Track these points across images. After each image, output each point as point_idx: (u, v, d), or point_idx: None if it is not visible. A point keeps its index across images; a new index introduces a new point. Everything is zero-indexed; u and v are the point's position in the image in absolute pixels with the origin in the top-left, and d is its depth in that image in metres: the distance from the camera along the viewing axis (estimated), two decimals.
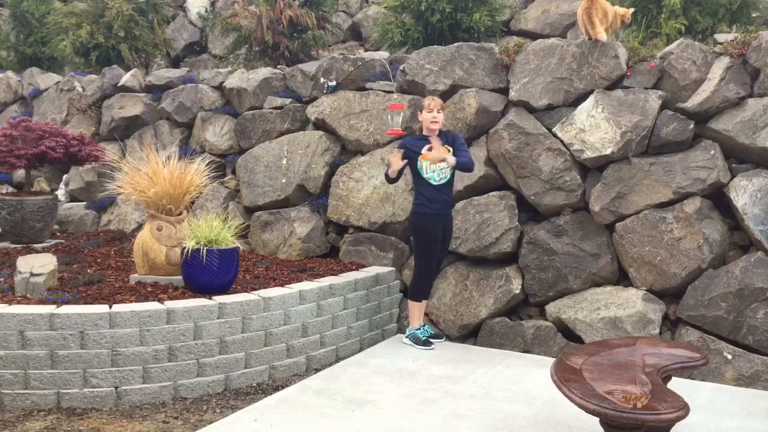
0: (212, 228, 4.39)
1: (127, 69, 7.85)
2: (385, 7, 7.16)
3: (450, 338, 5.30)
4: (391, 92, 5.84)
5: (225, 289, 4.38)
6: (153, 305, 3.91)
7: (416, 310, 5.00)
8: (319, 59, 6.86)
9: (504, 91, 5.48)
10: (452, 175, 4.87)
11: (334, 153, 6.04)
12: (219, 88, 6.89)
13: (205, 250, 4.23)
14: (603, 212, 4.91)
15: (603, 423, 2.75)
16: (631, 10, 5.34)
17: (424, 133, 4.92)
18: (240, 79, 6.63)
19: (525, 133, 5.18)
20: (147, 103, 7.13)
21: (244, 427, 3.46)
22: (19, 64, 9.05)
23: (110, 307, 3.82)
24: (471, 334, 5.33)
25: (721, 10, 5.73)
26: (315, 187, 6.00)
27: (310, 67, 6.33)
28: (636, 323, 4.69)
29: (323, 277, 5.07)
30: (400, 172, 4.83)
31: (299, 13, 7.36)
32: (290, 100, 6.35)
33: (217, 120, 6.68)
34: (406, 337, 5.09)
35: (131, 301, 4.06)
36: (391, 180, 4.85)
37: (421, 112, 4.91)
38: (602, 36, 5.03)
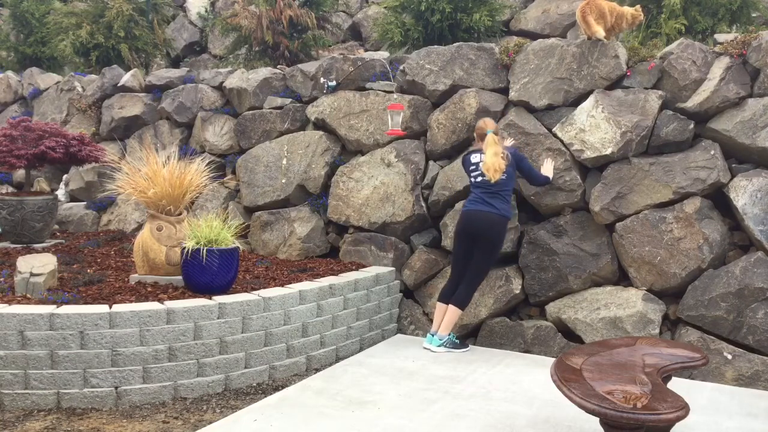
0: (212, 228, 4.39)
1: (127, 69, 7.85)
2: (385, 7, 7.17)
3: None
4: (391, 92, 5.84)
5: (225, 289, 4.38)
6: (153, 305, 3.91)
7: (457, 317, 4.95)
8: (319, 59, 6.86)
9: (504, 91, 5.49)
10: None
11: (334, 153, 6.04)
12: (219, 88, 6.89)
13: (205, 250, 4.23)
14: (603, 212, 4.91)
15: (603, 423, 2.75)
16: (639, 7, 5.30)
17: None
18: (240, 79, 6.63)
19: (525, 133, 5.18)
20: (147, 103, 7.13)
21: (244, 427, 3.46)
22: (19, 64, 9.05)
23: (110, 307, 3.82)
24: (471, 334, 5.33)
25: (721, 10, 5.73)
26: (315, 187, 6.00)
27: (310, 67, 6.33)
28: (636, 323, 4.69)
29: (323, 277, 5.07)
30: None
31: (299, 13, 7.36)
32: (290, 100, 6.35)
33: (217, 120, 6.68)
34: (440, 345, 4.90)
35: (131, 301, 4.06)
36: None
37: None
38: (599, 34, 5.02)
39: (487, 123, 4.93)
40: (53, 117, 7.66)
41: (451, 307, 4.88)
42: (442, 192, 5.44)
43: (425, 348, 4.97)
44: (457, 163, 5.42)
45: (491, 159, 4.75)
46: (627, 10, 5.21)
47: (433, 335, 4.96)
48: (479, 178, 4.86)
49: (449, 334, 4.94)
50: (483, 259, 4.85)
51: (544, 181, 4.93)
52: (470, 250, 4.89)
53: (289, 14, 7.28)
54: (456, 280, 4.97)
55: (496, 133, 4.88)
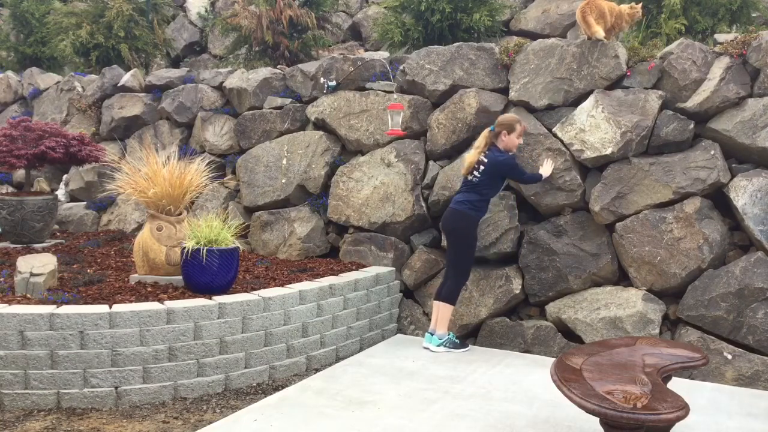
0: (212, 228, 4.39)
1: (127, 69, 7.85)
2: (385, 7, 7.17)
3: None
4: (391, 92, 5.84)
5: (225, 289, 4.38)
6: (153, 305, 3.91)
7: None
8: (319, 59, 6.86)
9: (504, 91, 5.48)
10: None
11: (334, 153, 6.04)
12: (219, 88, 6.89)
13: (205, 250, 4.23)
14: (603, 212, 4.91)
15: (603, 423, 2.75)
16: (635, 4, 5.29)
17: (506, 150, 4.88)
18: (240, 79, 6.63)
19: (525, 133, 5.17)
20: (147, 103, 7.13)
21: (244, 427, 3.46)
22: (19, 64, 9.05)
23: (110, 307, 3.82)
24: (471, 334, 5.33)
25: (721, 10, 5.73)
26: (315, 187, 6.00)
27: (310, 67, 6.33)
28: (636, 323, 4.69)
29: (323, 277, 5.07)
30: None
31: (299, 13, 7.36)
32: (290, 100, 6.35)
33: (217, 120, 6.68)
34: (439, 345, 4.90)
35: (131, 301, 4.06)
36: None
37: (509, 133, 4.82)
38: (599, 34, 5.03)
39: (499, 118, 4.92)
40: (53, 117, 7.66)
41: (440, 303, 4.92)
42: (442, 192, 5.44)
43: (425, 348, 4.97)
44: (457, 162, 5.42)
45: (467, 157, 4.91)
46: (623, 8, 5.21)
47: (432, 334, 4.97)
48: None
49: (449, 334, 4.94)
50: (453, 253, 4.94)
51: (536, 179, 4.93)
52: (448, 246, 5.04)
53: (289, 14, 7.28)
54: (446, 276, 5.05)
55: (498, 130, 4.84)
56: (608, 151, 4.88)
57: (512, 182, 5.23)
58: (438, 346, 4.91)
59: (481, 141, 4.88)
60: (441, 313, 4.91)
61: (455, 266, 4.94)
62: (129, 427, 3.45)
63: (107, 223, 7.00)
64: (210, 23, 10.39)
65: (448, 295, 4.91)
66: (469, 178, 4.88)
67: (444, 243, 5.43)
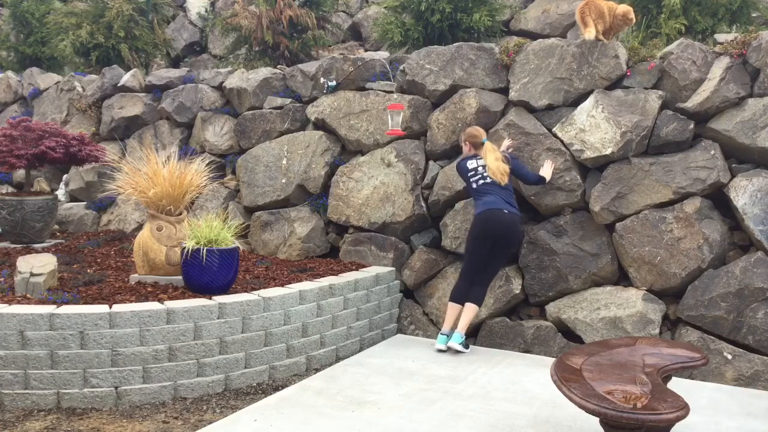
0: (212, 228, 4.39)
1: (127, 69, 7.85)
2: (385, 7, 7.16)
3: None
4: (391, 92, 5.84)
5: (225, 289, 4.38)
6: (153, 305, 3.91)
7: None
8: (319, 59, 6.86)
9: (504, 91, 5.49)
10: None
11: (334, 153, 6.04)
12: (219, 88, 6.89)
13: (205, 250, 4.23)
14: (603, 212, 4.91)
15: (603, 423, 2.75)
16: (630, 8, 5.29)
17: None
18: (240, 79, 6.63)
19: (525, 133, 5.18)
20: (147, 103, 7.13)
21: (244, 427, 3.46)
22: (19, 64, 9.05)
23: (110, 307, 3.82)
24: (471, 334, 5.33)
25: (721, 10, 5.73)
26: (315, 187, 6.00)
27: (310, 67, 6.33)
28: (636, 323, 4.69)
29: (323, 277, 5.07)
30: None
31: (299, 13, 7.36)
32: (290, 100, 6.35)
33: (217, 120, 6.68)
34: (461, 344, 4.87)
35: (131, 301, 4.06)
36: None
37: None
38: (589, 35, 5.06)
39: (481, 132, 5.02)
40: (53, 117, 7.66)
41: (471, 305, 4.85)
42: (442, 192, 5.44)
43: (449, 347, 4.90)
44: None
45: (495, 164, 4.85)
46: (620, 9, 5.21)
47: (447, 336, 4.92)
48: (481, 182, 4.91)
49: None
50: (503, 258, 4.92)
51: (537, 181, 4.94)
52: (492, 251, 4.88)
53: (289, 14, 7.29)
54: (472, 280, 4.92)
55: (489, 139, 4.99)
56: (608, 151, 4.88)
57: (512, 182, 5.22)
58: (460, 344, 4.86)
59: (495, 152, 4.91)
60: (469, 315, 4.86)
61: (496, 270, 4.94)
62: (129, 427, 3.46)
63: (107, 223, 7.00)
64: (210, 23, 10.39)
65: (480, 298, 4.88)
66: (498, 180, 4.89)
67: (444, 243, 5.43)
